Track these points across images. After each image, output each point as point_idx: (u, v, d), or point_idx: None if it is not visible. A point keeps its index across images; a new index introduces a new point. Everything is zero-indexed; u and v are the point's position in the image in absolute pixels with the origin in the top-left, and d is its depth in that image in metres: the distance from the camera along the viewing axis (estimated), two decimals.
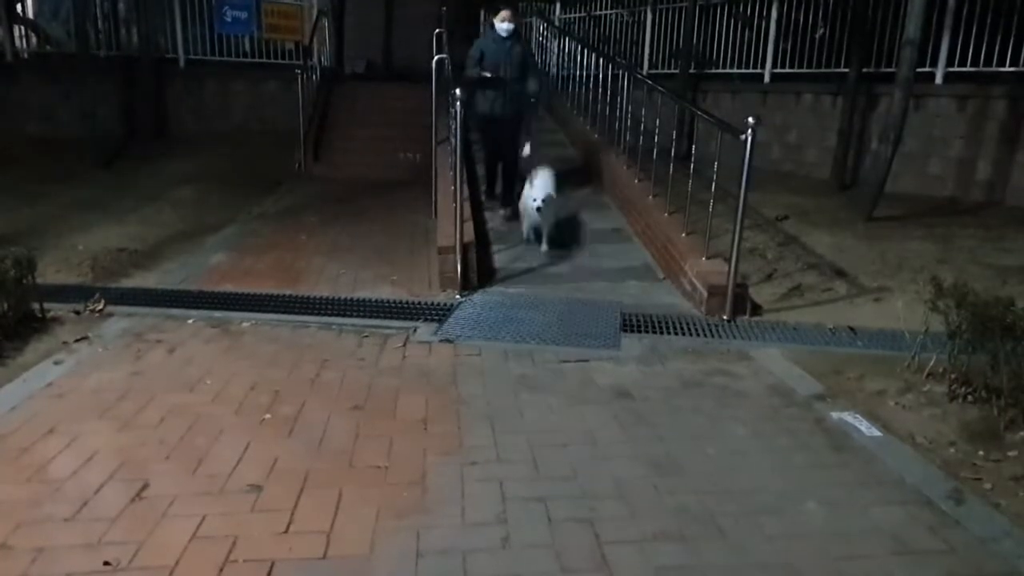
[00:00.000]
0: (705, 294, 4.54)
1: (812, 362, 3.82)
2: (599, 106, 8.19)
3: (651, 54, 10.84)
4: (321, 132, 9.67)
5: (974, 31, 6.85)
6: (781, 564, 2.23)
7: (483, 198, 6.95)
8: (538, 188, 5.63)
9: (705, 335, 4.23)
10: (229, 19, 10.63)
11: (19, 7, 10.51)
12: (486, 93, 6.11)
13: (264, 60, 10.99)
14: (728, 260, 4.48)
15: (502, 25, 6.06)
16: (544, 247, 5.80)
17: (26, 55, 10.29)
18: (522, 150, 6.37)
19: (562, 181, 6.13)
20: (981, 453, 2.91)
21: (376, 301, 4.69)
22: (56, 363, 3.57)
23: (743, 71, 9.37)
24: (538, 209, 5.54)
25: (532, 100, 6.31)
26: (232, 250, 5.82)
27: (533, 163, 6.15)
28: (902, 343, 3.80)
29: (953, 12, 6.96)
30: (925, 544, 2.33)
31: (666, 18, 10.42)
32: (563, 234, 6.09)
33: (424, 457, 2.80)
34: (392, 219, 6.91)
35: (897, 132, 6.25)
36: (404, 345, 3.97)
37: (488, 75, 5.96)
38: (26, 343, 3.79)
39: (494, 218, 6.63)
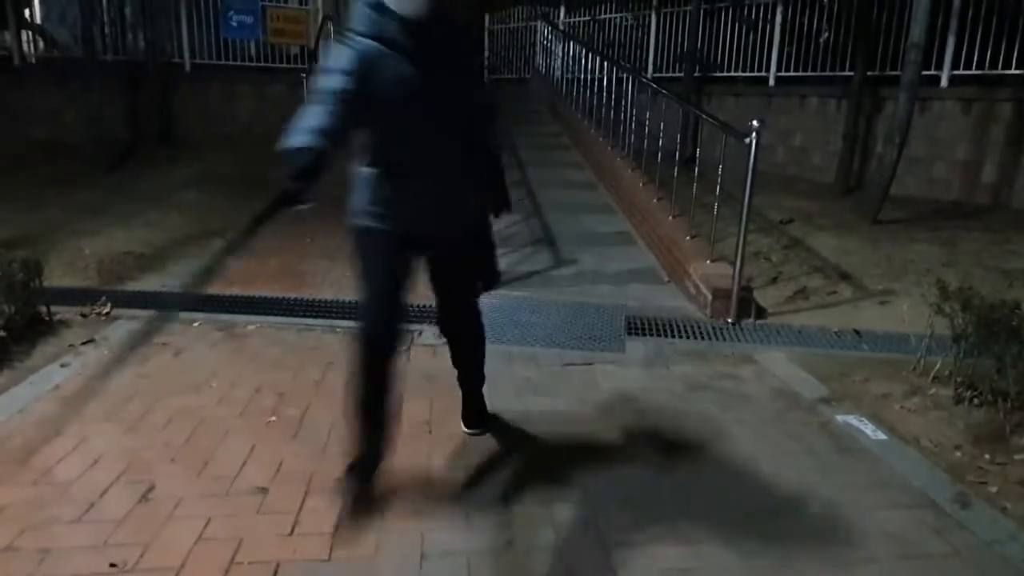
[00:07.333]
0: (710, 297, 4.54)
1: (817, 365, 3.82)
2: (604, 110, 8.20)
3: (655, 58, 10.85)
4: None
5: (979, 34, 6.84)
6: (786, 567, 2.22)
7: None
8: None
9: (710, 338, 4.23)
10: (235, 23, 10.68)
11: (27, 12, 10.58)
12: (389, 183, 2.53)
13: (269, 64, 11.03)
14: (733, 263, 4.48)
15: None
16: None
17: (33, 59, 10.34)
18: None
19: (568, 186, 5.80)
20: (987, 456, 2.90)
21: None
22: (63, 366, 3.58)
23: (747, 74, 9.38)
24: None
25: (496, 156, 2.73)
26: (237, 253, 5.82)
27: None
28: (907, 346, 3.79)
29: (958, 15, 6.96)
30: (930, 547, 2.32)
31: (670, 22, 10.44)
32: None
33: (428, 459, 2.80)
34: None
35: (902, 135, 6.25)
36: (408, 348, 3.97)
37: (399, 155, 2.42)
38: (33, 346, 3.81)
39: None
